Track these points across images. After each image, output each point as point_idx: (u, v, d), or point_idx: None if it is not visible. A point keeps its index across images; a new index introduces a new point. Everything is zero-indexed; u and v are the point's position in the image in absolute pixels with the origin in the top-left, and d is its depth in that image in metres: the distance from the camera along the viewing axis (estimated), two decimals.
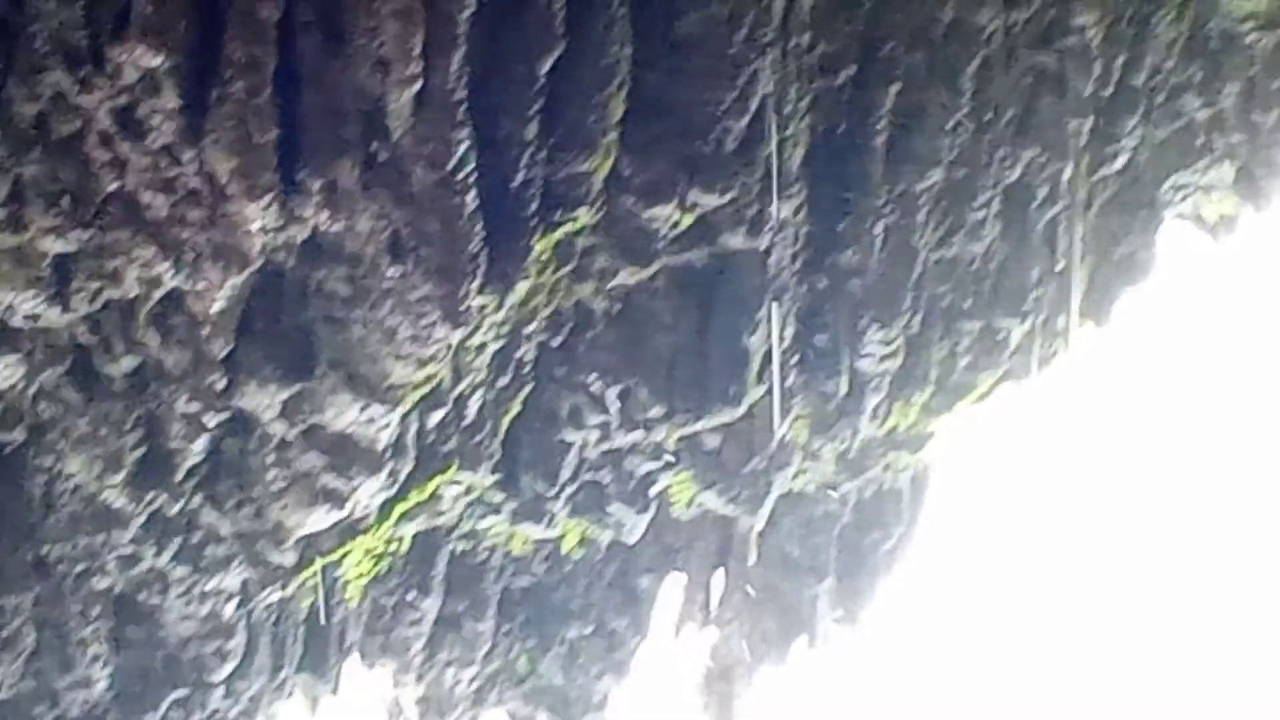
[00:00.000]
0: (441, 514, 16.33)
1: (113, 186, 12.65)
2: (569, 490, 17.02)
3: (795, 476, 18.86)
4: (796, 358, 17.32)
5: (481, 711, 20.37)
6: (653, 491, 17.70)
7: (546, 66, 13.48)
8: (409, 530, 16.62)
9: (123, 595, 15.40)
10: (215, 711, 16.46)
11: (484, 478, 16.03)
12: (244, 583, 15.31)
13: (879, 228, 17.01)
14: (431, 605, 18.05)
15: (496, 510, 17.00)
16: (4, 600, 14.79)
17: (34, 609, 15.08)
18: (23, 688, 15.48)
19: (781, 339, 16.87)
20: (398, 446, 14.17)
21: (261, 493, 14.18)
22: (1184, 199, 20.01)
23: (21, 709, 15.70)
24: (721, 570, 21.02)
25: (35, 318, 13.06)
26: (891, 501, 20.89)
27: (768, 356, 16.66)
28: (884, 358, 17.93)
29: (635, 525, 17.87)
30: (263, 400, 13.55)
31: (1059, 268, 18.69)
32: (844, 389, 17.89)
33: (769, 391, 17.02)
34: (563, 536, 18.55)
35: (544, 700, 20.58)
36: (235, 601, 15.58)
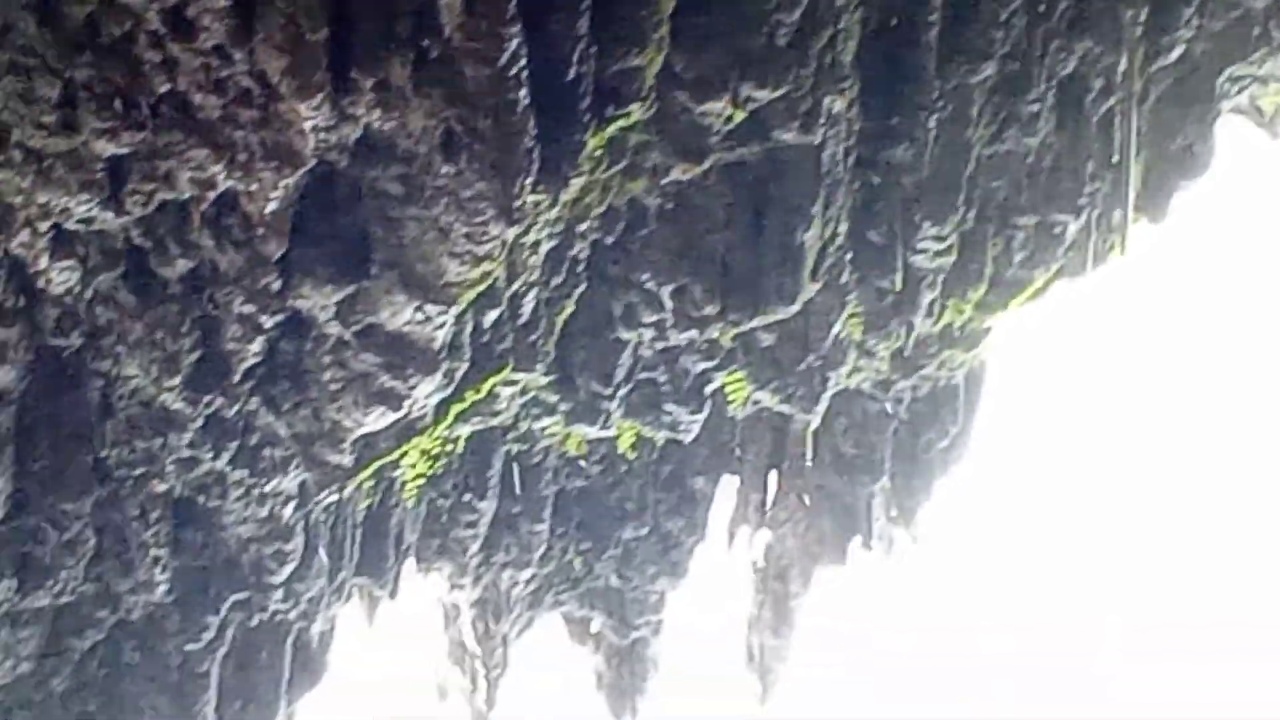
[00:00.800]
0: (497, 414, 16.36)
1: (164, 88, 12.59)
2: (624, 390, 17.04)
3: (850, 374, 18.84)
4: (850, 254, 17.25)
5: (538, 613, 20.54)
6: (708, 390, 17.72)
7: None
8: (465, 431, 16.68)
9: (182, 498, 15.53)
10: (275, 613, 16.62)
11: (539, 377, 16.03)
12: (302, 485, 15.39)
13: (932, 122, 16.88)
14: (487, 507, 18.18)
15: (552, 411, 17.04)
16: (65, 505, 14.92)
17: (94, 513, 15.22)
18: (85, 591, 15.66)
19: (835, 235, 16.82)
20: (453, 346, 14.13)
21: (319, 394, 14.20)
22: (1241, 91, 19.81)
23: (83, 612, 15.90)
24: (776, 470, 21.10)
25: (90, 221, 13.07)
26: (947, 399, 20.88)
27: (822, 253, 16.60)
28: (938, 254, 17.84)
29: (690, 424, 17.90)
30: (318, 301, 13.54)
31: (1114, 161, 18.53)
32: (898, 285, 17.82)
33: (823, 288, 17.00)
34: (618, 437, 18.61)
35: (600, 601, 20.75)
36: (293, 504, 15.68)
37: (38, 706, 16.40)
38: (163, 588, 15.86)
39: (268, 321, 13.75)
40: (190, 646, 16.40)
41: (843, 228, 16.88)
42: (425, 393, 14.23)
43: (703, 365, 17.36)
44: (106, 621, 16.10)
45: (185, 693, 16.63)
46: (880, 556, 21.69)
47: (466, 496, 18.00)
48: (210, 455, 14.99)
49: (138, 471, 15.07)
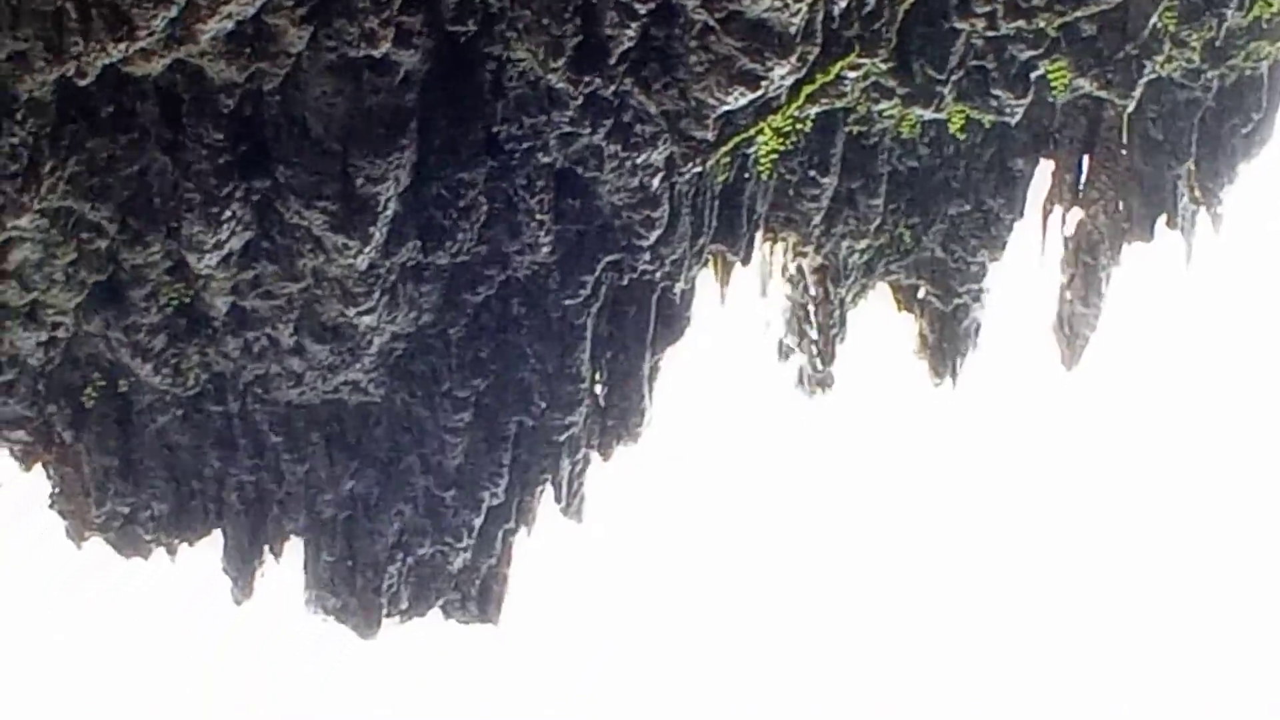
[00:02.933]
0: (842, 96, 16.17)
1: None
2: (956, 75, 16.75)
3: (1164, 63, 18.30)
4: None
5: (871, 280, 20.52)
6: (1032, 76, 17.34)
7: None
8: (812, 112, 16.58)
9: (563, 170, 15.70)
10: (643, 273, 16.83)
11: (880, 63, 15.82)
12: (668, 158, 15.42)
13: None
14: (830, 182, 18.09)
15: (890, 94, 16.85)
16: (461, 174, 15.19)
17: (487, 183, 15.48)
18: (478, 251, 16.00)
19: None
20: (807, 32, 13.93)
21: (685, 75, 14.12)
22: None
23: (475, 270, 16.27)
24: (1089, 153, 20.68)
25: None
26: (1252, 89, 20.16)
27: None
28: None
29: (1015, 108, 17.57)
30: None
31: None
32: None
33: None
34: (948, 119, 18.36)
35: (926, 271, 20.66)
36: (660, 175, 15.75)
37: (437, 352, 16.93)
38: (545, 249, 16.15)
39: (641, 9, 13.67)
40: (569, 301, 16.73)
41: None
42: (780, 74, 14.09)
43: (1029, 53, 16.96)
44: (496, 279, 16.46)
45: (564, 342, 17.02)
46: (1184, 234, 21.24)
47: (812, 172, 17.93)
48: (588, 130, 15.09)
49: (525, 145, 15.25)
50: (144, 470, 17.36)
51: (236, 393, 16.97)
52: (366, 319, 15.82)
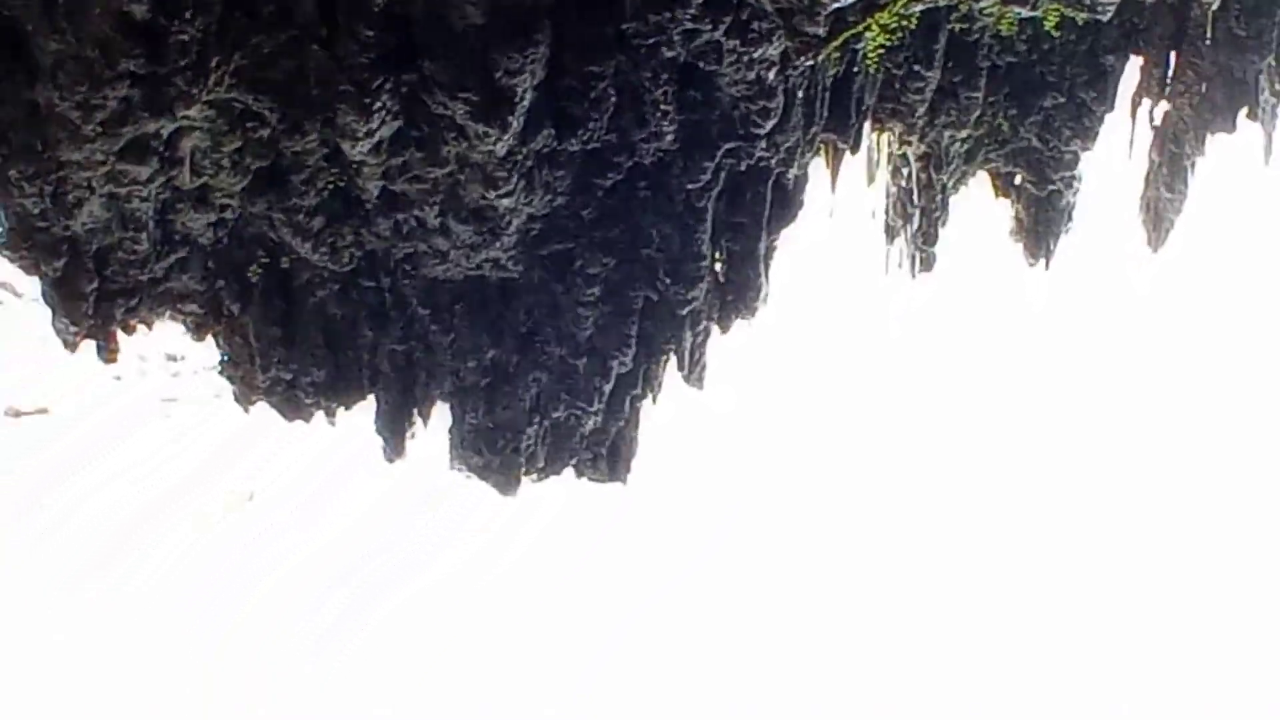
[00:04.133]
0: None
1: None
2: None
3: None
4: None
5: (971, 168, 20.47)
6: None
7: None
8: (917, 9, 16.50)
9: (686, 64, 15.73)
10: (760, 160, 16.87)
11: None
12: (783, 53, 15.44)
13: None
14: (933, 76, 18.03)
15: None
16: (592, 67, 15.27)
17: (615, 75, 15.54)
18: (607, 139, 16.08)
19: None
20: None
21: None
22: None
23: (605, 156, 16.36)
24: (1176, 49, 20.45)
25: None
26: None
27: None
28: None
29: (1108, 6, 17.37)
30: None
31: None
32: None
33: None
34: (1044, 17, 18.22)
35: (1022, 159, 20.57)
36: (776, 69, 15.76)
37: (570, 232, 17.07)
38: (669, 138, 16.19)
39: None
40: (691, 186, 16.77)
41: None
42: None
43: None
44: (624, 165, 16.51)
45: (686, 224, 17.09)
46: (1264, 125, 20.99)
47: (916, 66, 17.86)
48: (709, 27, 15.10)
49: (651, 41, 15.27)
50: (304, 340, 17.66)
51: (387, 269, 17.21)
52: (505, 201, 15.97)
